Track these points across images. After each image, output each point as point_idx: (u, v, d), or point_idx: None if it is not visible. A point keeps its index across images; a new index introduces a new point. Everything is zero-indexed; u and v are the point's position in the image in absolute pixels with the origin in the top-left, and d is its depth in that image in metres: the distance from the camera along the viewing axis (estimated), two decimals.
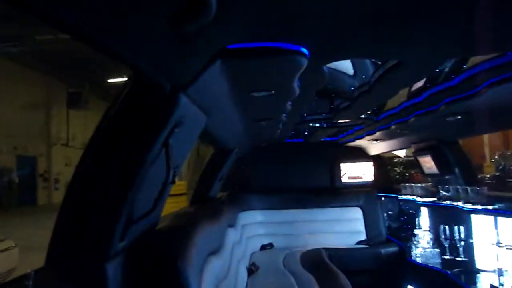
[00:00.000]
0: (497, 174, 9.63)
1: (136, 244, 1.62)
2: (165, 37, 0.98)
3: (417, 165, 4.69)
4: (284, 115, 2.87)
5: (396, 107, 3.13)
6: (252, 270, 4.03)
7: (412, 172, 12.51)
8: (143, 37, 0.95)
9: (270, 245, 5.23)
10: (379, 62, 2.28)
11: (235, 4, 1.01)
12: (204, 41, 1.14)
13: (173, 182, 1.60)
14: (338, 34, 1.41)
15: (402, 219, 5.37)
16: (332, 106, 3.09)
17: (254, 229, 5.23)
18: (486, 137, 18.98)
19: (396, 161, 14.53)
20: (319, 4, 1.12)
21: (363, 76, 2.98)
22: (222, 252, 2.75)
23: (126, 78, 1.37)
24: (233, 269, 3.07)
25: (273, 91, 1.95)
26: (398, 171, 13.77)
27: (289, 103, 2.39)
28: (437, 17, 1.30)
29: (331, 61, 1.76)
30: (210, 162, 3.59)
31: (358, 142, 5.28)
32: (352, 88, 2.52)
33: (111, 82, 15.57)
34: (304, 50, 1.48)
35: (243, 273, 3.72)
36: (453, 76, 2.13)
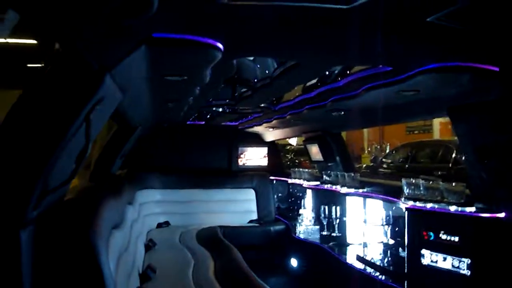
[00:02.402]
0: (371, 164, 11.03)
1: (48, 213, 1.67)
2: (103, 21, 1.09)
3: (306, 153, 5.24)
4: (191, 98, 3.04)
5: (292, 100, 3.51)
6: (149, 245, 4.15)
7: (301, 159, 13.60)
8: (82, 18, 1.05)
9: (166, 223, 5.36)
10: None
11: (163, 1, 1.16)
12: (134, 28, 1.26)
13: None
14: (251, 34, 1.65)
15: (290, 200, 5.93)
16: (236, 93, 3.34)
17: (151, 207, 5.29)
18: (366, 132, 21.29)
19: (288, 149, 15.61)
20: (236, 6, 1.32)
21: (263, 68, 3.26)
22: (123, 227, 2.83)
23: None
24: (132, 244, 3.17)
25: (185, 77, 2.11)
26: (290, 157, 14.82)
27: (198, 88, 2.57)
28: (327, 31, 1.61)
29: (242, 57, 2.00)
30: (112, 138, 3.57)
31: (256, 129, 5.65)
32: (256, 80, 2.80)
33: None
34: (219, 45, 1.68)
35: (141, 248, 3.82)
36: (339, 78, 2.54)
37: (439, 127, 19.01)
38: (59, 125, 1.44)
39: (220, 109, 3.98)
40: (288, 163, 13.54)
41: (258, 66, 2.50)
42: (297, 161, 14.06)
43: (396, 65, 2.11)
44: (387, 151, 14.35)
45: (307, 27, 1.56)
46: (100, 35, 1.19)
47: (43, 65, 1.43)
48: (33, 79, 1.42)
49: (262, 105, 3.68)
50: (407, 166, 9.36)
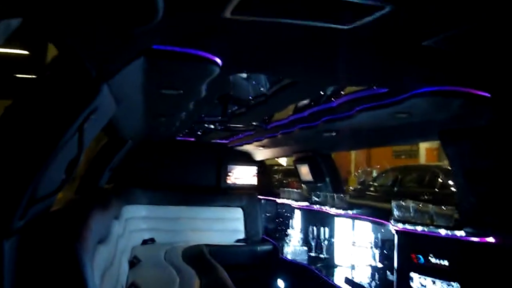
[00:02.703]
0: (359, 186, 11.08)
1: (34, 223, 1.62)
2: (107, 28, 1.08)
3: (296, 173, 5.23)
4: (184, 113, 3.03)
5: (285, 119, 3.53)
6: (134, 262, 4.05)
7: (289, 179, 13.59)
8: (88, 23, 1.04)
9: (152, 240, 5.26)
10: None
11: (167, 12, 1.16)
12: (136, 38, 1.26)
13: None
14: (250, 50, 1.66)
15: (278, 220, 5.88)
16: (228, 110, 3.34)
17: (137, 223, 5.19)
18: (353, 154, 21.45)
19: (276, 169, 15.60)
20: (237, 22, 1.33)
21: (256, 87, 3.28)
22: (108, 242, 2.77)
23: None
24: (116, 260, 3.09)
25: (181, 91, 2.10)
26: (278, 178, 14.79)
27: (192, 103, 2.56)
28: (326, 50, 1.64)
29: (240, 73, 2.01)
30: (101, 151, 3.53)
31: (246, 147, 5.64)
32: (251, 97, 2.81)
33: None
34: (218, 60, 1.69)
35: (125, 264, 3.73)
36: (333, 99, 2.56)
37: (425, 152, 19.30)
38: (51, 133, 1.41)
39: (212, 126, 3.97)
40: (276, 183, 13.52)
41: (254, 82, 2.52)
42: (285, 181, 14.03)
43: (391, 87, 2.15)
44: (374, 174, 14.45)
45: (307, 46, 1.58)
46: (103, 42, 1.18)
47: (33, 76, 1.41)
48: (27, 86, 1.39)
49: (254, 123, 3.68)
50: (394, 189, 9.41)
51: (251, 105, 2.88)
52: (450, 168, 8.58)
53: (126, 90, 1.80)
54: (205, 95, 2.24)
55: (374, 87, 2.19)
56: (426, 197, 8.45)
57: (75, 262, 1.67)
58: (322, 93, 2.51)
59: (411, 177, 9.50)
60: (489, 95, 2.08)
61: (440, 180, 8.67)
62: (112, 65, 1.41)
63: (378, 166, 13.39)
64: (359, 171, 19.75)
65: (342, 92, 2.41)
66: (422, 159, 18.68)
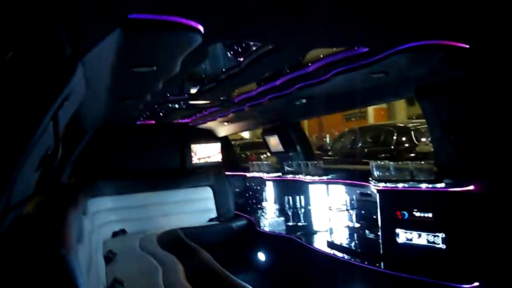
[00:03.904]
0: (318, 152, 11.28)
1: (10, 231, 1.42)
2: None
3: (253, 146, 5.16)
4: (149, 95, 2.82)
5: (253, 90, 3.40)
6: (109, 257, 3.84)
7: (248, 153, 13.58)
8: None
9: (123, 231, 5.04)
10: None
11: None
12: (114, 4, 1.08)
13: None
14: (233, 16, 1.51)
15: (248, 194, 5.84)
16: (196, 86, 3.16)
17: (105, 215, 4.95)
18: (305, 121, 21.88)
19: (233, 143, 15.53)
20: None
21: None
22: (83, 240, 2.58)
23: None
24: (93, 258, 2.90)
25: (154, 67, 1.92)
26: (235, 152, 14.71)
27: (162, 81, 2.37)
28: (311, 14, 1.54)
29: (221, 41, 1.85)
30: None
31: (209, 124, 5.48)
32: (224, 70, 2.65)
33: None
34: (201, 28, 1.53)
35: (101, 261, 3.53)
36: (309, 64, 2.47)
37: (373, 113, 20.07)
38: (23, 127, 1.20)
39: (176, 106, 3.76)
40: None
41: (229, 54, 2.35)
42: (243, 155, 14.01)
43: (372, 46, 2.09)
44: (327, 140, 14.79)
45: (290, 8, 1.47)
46: (81, 10, 0.99)
47: None
48: None
49: (222, 98, 3.53)
50: (353, 151, 9.67)
51: (222, 79, 2.72)
52: (403, 126, 8.86)
53: (96, 70, 1.59)
54: (179, 70, 2.07)
55: (355, 48, 2.13)
56: (383, 155, 8.76)
57: (64, 268, 1.50)
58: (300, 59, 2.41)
59: (367, 138, 9.79)
60: (467, 46, 2.08)
61: (394, 137, 8.99)
62: (87, 40, 1.21)
63: (334, 131, 13.71)
64: (313, 136, 20.19)
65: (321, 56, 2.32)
66: (371, 120, 19.42)
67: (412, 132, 8.50)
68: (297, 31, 1.78)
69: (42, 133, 1.29)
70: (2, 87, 1.17)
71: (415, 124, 8.81)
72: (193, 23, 1.47)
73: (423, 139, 8.23)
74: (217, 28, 1.57)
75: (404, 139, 8.74)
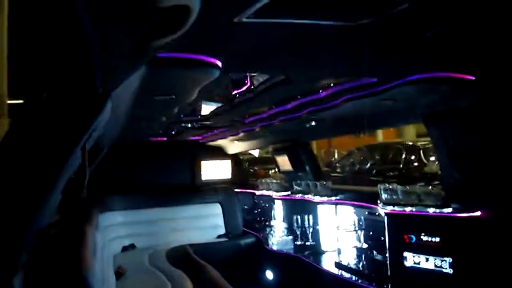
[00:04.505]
0: (326, 168, 11.31)
1: (36, 254, 1.51)
2: (129, 44, 1.00)
3: (260, 162, 5.24)
4: (166, 116, 2.93)
5: (264, 112, 3.50)
6: (120, 273, 3.91)
7: (256, 168, 13.65)
8: (111, 41, 0.96)
9: (132, 246, 5.11)
10: None
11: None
12: (149, 49, 1.18)
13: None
14: (249, 53, 1.62)
15: (257, 212, 5.89)
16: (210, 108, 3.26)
17: (115, 230, 5.01)
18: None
19: (242, 158, 15.63)
20: (239, 26, 1.29)
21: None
22: (97, 256, 2.66)
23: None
24: (105, 273, 2.97)
25: (173, 96, 2.02)
26: (244, 167, 14.80)
27: (178, 107, 2.48)
28: (325, 48, 1.64)
29: (238, 73, 1.96)
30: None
31: (219, 142, 5.58)
32: (237, 95, 2.75)
33: None
34: (219, 63, 1.63)
35: (112, 277, 3.59)
36: (320, 91, 2.57)
37: (381, 130, 20.04)
38: (55, 158, 1.30)
39: (189, 125, 3.87)
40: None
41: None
42: (251, 170, 14.08)
43: (380, 76, 2.18)
44: (335, 156, 14.77)
45: (301, 46, 1.57)
46: (119, 55, 1.09)
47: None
48: (24, 109, 1.27)
49: (235, 119, 3.63)
50: (361, 169, 9.69)
51: (236, 104, 2.82)
52: (412, 144, 8.82)
53: (121, 101, 1.70)
54: (196, 96, 2.17)
55: (364, 78, 2.22)
56: (392, 173, 8.76)
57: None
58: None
59: (375, 156, 9.81)
60: (473, 78, 2.16)
61: (402, 156, 8.99)
62: (115, 78, 1.32)
63: (341, 150, 13.75)
64: (322, 152, 20.17)
65: (331, 84, 2.41)
66: (380, 136, 19.39)
67: (421, 151, 8.50)
68: (306, 65, 1.88)
69: (72, 162, 1.39)
70: (39, 122, 1.27)
71: (424, 143, 8.81)
72: (212, 60, 1.58)
73: (432, 158, 8.23)
74: (234, 64, 1.67)
75: (413, 157, 8.73)
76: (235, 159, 6.17)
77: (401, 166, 8.98)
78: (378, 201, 3.18)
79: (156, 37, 0.94)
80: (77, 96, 1.25)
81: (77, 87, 1.23)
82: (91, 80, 1.18)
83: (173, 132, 4.57)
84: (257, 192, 5.48)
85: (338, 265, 3.70)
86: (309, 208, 4.43)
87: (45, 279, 1.52)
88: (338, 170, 11.02)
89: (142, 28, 0.92)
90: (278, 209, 5.13)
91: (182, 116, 3.44)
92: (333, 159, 13.07)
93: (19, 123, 1.31)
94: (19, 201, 1.27)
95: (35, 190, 1.29)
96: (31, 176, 1.28)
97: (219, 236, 5.62)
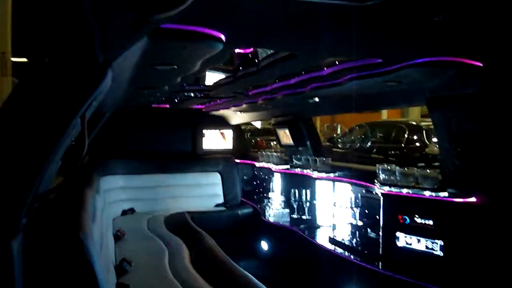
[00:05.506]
0: (327, 143, 11.33)
1: (35, 218, 1.55)
2: (131, 17, 0.99)
3: (262, 133, 5.24)
4: (168, 85, 2.91)
5: (267, 86, 3.47)
6: (118, 235, 4.01)
7: (258, 139, 13.68)
8: (112, 13, 0.95)
9: (131, 210, 5.21)
10: None
11: None
12: (151, 22, 1.16)
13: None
14: (253, 26, 1.59)
15: (256, 183, 5.96)
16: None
17: (115, 194, 5.10)
18: None
19: (243, 129, 15.63)
20: (240, 1, 1.27)
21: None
22: (96, 219, 2.71)
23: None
24: (104, 236, 3.05)
25: (175, 66, 2.00)
26: (245, 138, 14.83)
27: (180, 77, 2.46)
28: (330, 27, 1.60)
29: (240, 47, 1.93)
30: None
31: (222, 111, 5.57)
32: (241, 68, 2.72)
33: None
34: (222, 37, 1.61)
35: (111, 239, 3.69)
36: (324, 68, 2.53)
37: None
38: (55, 125, 1.31)
39: (192, 94, 3.85)
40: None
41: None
42: (253, 140, 14.11)
43: (386, 58, 2.14)
44: (339, 131, 14.73)
45: (311, 23, 1.54)
46: (119, 27, 1.08)
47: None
48: (25, 76, 1.27)
49: (238, 91, 3.61)
50: (362, 146, 9.69)
51: (239, 76, 2.80)
52: (415, 124, 8.75)
53: (122, 70, 1.69)
54: (199, 67, 2.15)
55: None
56: (393, 152, 8.76)
57: (83, 255, 1.64)
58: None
59: (377, 134, 9.77)
60: (480, 65, 2.12)
61: (406, 135, 8.96)
62: (119, 48, 1.31)
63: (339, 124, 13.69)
64: (324, 126, 20.09)
65: (336, 62, 2.38)
66: (384, 115, 19.26)
67: (424, 132, 8.45)
68: (311, 43, 1.85)
69: (71, 130, 1.40)
70: (39, 89, 1.27)
71: (427, 124, 8.76)
72: (215, 33, 1.55)
73: (434, 140, 8.20)
74: (237, 38, 1.65)
75: (415, 137, 8.70)
76: (237, 129, 6.18)
77: (402, 145, 8.96)
78: (376, 181, 3.20)
79: (157, 11, 0.93)
80: (78, 65, 1.25)
81: (77, 55, 1.22)
82: (91, 49, 1.17)
83: (176, 100, 4.55)
84: (257, 164, 5.52)
85: (332, 240, 3.78)
86: (307, 183, 4.47)
87: (43, 242, 1.56)
88: (339, 145, 11.03)
89: (143, 3, 0.90)
90: (277, 182, 5.18)
91: (185, 85, 3.42)
92: (336, 134, 13.08)
93: (21, 88, 1.31)
94: (18, 165, 1.30)
95: (34, 155, 1.31)
96: (30, 141, 1.29)
97: (217, 205, 5.71)
